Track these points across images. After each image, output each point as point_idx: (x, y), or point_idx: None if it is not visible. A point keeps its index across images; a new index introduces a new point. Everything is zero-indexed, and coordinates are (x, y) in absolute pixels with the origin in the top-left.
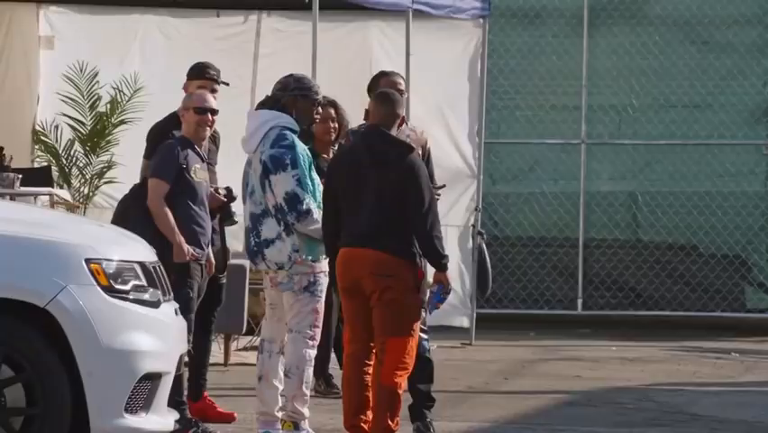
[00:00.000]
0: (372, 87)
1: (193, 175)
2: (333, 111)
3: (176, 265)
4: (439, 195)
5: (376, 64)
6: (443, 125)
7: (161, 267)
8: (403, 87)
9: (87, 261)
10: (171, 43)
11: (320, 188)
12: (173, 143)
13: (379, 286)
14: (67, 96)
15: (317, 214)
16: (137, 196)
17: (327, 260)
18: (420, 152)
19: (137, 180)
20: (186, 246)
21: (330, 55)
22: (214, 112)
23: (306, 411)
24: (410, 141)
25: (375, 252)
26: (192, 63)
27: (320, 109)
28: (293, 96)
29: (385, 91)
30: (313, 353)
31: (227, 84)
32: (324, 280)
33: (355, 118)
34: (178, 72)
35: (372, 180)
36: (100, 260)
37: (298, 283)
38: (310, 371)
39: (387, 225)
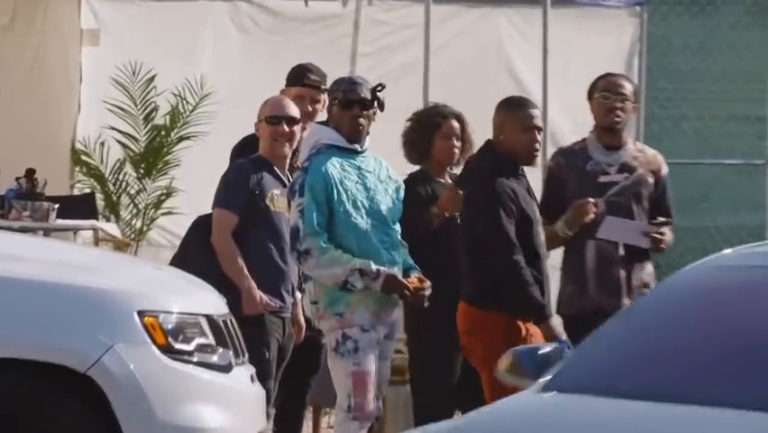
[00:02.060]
0: (590, 92)
1: (269, 203)
2: (457, 125)
3: (246, 318)
4: (663, 234)
5: (505, 63)
6: None
7: (234, 321)
8: (626, 91)
9: (140, 313)
10: (247, 38)
11: (390, 211)
12: (243, 164)
13: (466, 347)
14: (115, 105)
15: (328, 254)
16: (200, 229)
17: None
18: (652, 180)
19: (204, 211)
20: (258, 293)
21: (447, 52)
22: (292, 121)
23: None
24: (638, 163)
25: (462, 302)
26: (273, 64)
27: (357, 112)
28: (329, 104)
29: (512, 98)
30: (352, 427)
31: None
32: (360, 336)
33: (480, 128)
34: (255, 75)
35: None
36: (156, 312)
37: (329, 344)
38: None
39: (470, 265)
